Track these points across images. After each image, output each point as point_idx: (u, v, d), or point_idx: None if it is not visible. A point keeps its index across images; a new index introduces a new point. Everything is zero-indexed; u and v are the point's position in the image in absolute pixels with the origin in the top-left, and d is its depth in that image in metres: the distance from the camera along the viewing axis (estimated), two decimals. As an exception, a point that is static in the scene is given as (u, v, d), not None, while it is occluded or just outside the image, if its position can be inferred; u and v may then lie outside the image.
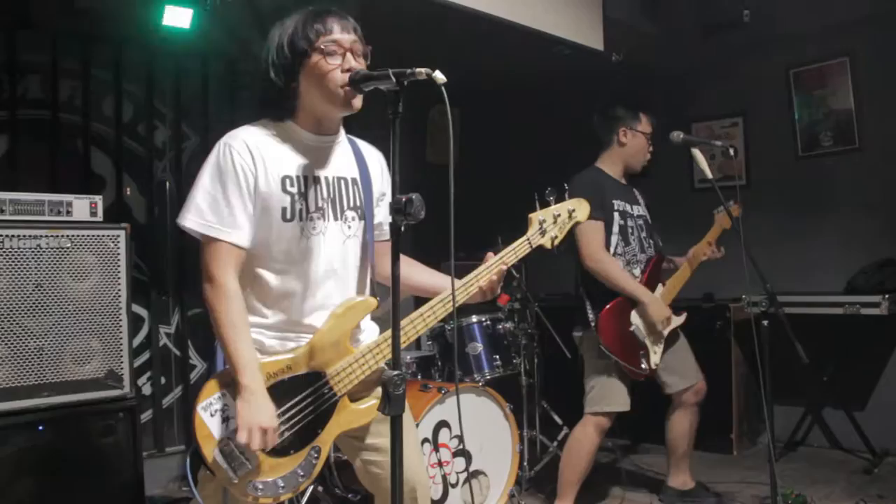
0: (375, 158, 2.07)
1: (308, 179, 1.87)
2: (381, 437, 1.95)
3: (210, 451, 1.71)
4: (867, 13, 4.22)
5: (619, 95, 3.51)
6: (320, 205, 1.88)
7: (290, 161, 1.86)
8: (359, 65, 1.82)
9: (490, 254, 2.03)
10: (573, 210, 2.17)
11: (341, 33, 1.81)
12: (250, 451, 1.72)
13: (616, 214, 3.27)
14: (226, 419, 1.75)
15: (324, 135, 1.92)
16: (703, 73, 4.90)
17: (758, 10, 4.17)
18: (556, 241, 2.13)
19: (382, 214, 2.04)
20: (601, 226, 3.19)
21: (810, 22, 4.36)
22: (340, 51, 1.80)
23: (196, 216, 1.78)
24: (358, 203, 1.96)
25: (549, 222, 2.11)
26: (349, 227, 1.94)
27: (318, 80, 1.81)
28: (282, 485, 1.78)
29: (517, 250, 2.05)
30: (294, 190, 1.84)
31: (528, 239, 2.08)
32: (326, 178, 1.91)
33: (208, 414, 1.73)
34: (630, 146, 3.37)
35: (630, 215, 3.34)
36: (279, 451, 1.78)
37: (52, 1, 3.64)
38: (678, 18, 4.68)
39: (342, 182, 1.94)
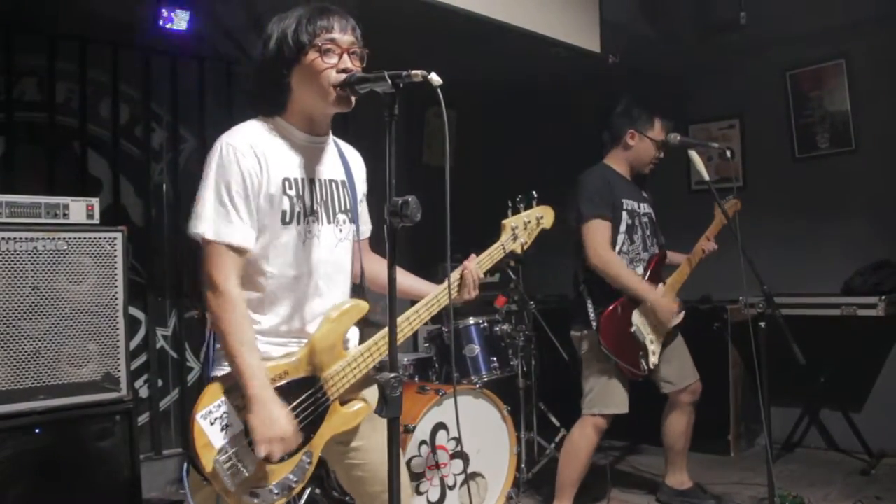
0: (356, 159, 2.08)
1: (304, 182, 1.86)
2: (364, 439, 1.95)
3: (209, 461, 1.69)
4: (863, 16, 4.23)
5: (639, 97, 3.43)
6: (315, 208, 1.87)
7: (288, 162, 1.84)
8: (354, 67, 1.80)
9: (473, 255, 2.10)
10: (541, 217, 2.28)
11: (340, 33, 1.81)
12: (252, 459, 1.72)
13: (625, 213, 3.26)
14: (225, 427, 1.73)
15: (315, 135, 1.91)
16: (699, 75, 4.91)
17: (754, 13, 4.18)
18: (525, 247, 2.24)
19: (363, 214, 2.09)
20: (608, 225, 3.19)
21: (807, 24, 4.37)
22: (338, 50, 1.80)
23: (207, 223, 1.74)
24: (348, 206, 1.96)
25: (520, 228, 2.22)
26: (340, 230, 1.94)
27: (312, 78, 1.79)
28: (276, 491, 1.78)
29: (492, 255, 2.15)
30: (293, 193, 1.83)
31: (502, 245, 2.18)
32: (320, 181, 1.90)
33: (208, 422, 1.71)
34: (636, 149, 3.33)
35: (637, 214, 3.33)
36: None
37: (49, 2, 3.63)
38: (675, 20, 4.69)
39: (333, 184, 1.94)
